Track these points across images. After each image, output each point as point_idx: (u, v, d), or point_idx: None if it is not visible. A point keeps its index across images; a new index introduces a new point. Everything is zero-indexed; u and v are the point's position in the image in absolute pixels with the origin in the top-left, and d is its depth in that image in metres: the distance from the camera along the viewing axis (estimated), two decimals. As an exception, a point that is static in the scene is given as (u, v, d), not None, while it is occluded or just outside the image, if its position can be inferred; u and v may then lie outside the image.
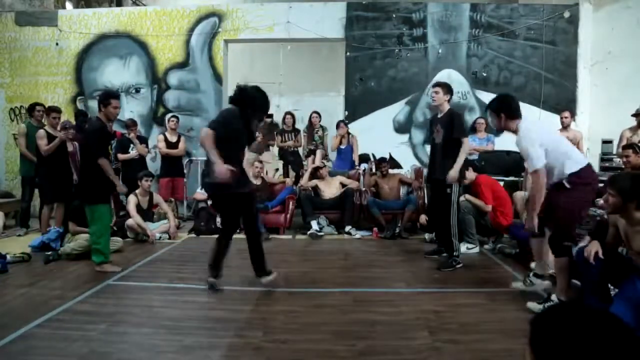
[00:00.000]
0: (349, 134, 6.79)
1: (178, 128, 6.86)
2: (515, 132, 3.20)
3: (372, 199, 5.92)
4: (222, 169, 3.13)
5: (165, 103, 7.52)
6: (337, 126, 6.84)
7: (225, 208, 3.62)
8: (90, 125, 4.30)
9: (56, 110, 5.63)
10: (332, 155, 7.14)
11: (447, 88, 4.28)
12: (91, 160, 4.02)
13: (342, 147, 6.77)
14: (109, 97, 4.12)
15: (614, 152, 5.90)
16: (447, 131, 4.16)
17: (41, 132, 5.39)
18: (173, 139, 6.69)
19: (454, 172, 4.05)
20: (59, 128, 5.58)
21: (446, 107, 4.25)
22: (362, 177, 6.64)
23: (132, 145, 6.41)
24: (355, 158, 6.84)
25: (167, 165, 6.68)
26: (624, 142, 5.55)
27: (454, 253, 4.20)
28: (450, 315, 3.04)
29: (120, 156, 6.34)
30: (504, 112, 3.23)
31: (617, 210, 2.71)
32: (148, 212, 5.70)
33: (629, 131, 5.64)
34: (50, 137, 5.36)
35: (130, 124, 6.54)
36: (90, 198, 4.08)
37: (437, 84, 4.33)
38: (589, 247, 2.80)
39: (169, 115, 7.11)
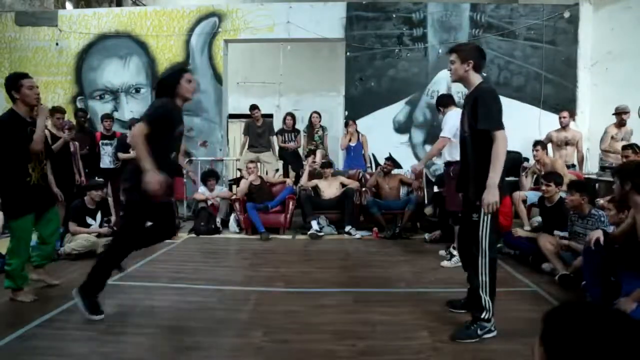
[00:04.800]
0: (358, 132, 6.78)
1: None
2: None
3: (372, 199, 5.92)
4: None
5: (165, 103, 7.51)
6: (346, 124, 6.83)
7: None
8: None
9: (60, 110, 5.61)
10: (337, 154, 7.12)
11: (465, 52, 2.70)
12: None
13: (352, 144, 6.74)
14: (17, 78, 3.21)
15: (600, 147, 5.98)
16: (470, 119, 2.67)
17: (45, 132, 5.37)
18: None
19: (489, 197, 2.50)
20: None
21: (474, 80, 2.70)
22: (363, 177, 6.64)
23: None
24: (366, 156, 6.83)
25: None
26: (609, 138, 5.79)
27: (482, 315, 2.65)
28: (450, 316, 3.04)
29: (121, 155, 6.34)
30: (442, 106, 4.41)
31: (621, 197, 2.84)
32: (148, 212, 5.69)
33: (614, 127, 5.82)
34: (54, 138, 5.34)
35: (134, 124, 6.53)
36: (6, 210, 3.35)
37: (451, 49, 2.80)
38: (591, 234, 2.97)
39: None
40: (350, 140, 6.75)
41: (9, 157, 3.19)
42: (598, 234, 2.94)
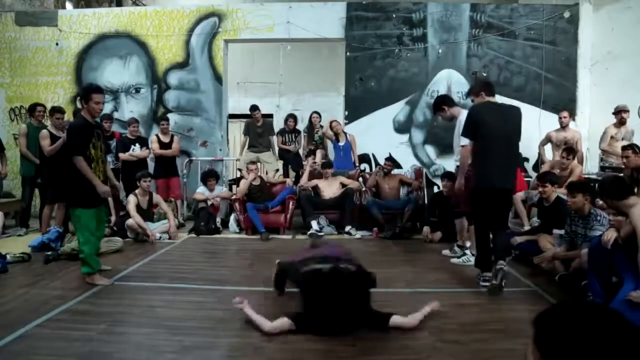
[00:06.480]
0: (345, 133, 6.75)
1: (170, 129, 6.81)
2: (455, 117, 4.34)
3: (372, 199, 5.92)
4: None
5: (165, 103, 7.51)
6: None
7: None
8: (73, 122, 4.11)
9: (60, 110, 5.61)
10: (330, 152, 7.09)
11: (477, 88, 3.85)
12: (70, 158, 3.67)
13: (341, 144, 6.71)
14: (90, 92, 3.75)
15: (600, 147, 5.98)
16: None
17: (44, 132, 5.39)
18: (166, 139, 6.68)
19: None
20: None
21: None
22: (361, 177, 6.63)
23: (132, 147, 6.39)
24: (355, 157, 6.82)
25: (161, 166, 6.64)
26: (609, 137, 5.80)
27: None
28: (451, 315, 3.04)
29: (122, 155, 6.33)
30: (447, 105, 4.38)
31: (609, 207, 3.06)
32: (148, 212, 5.70)
33: (614, 127, 5.81)
34: (54, 138, 5.35)
35: (132, 122, 6.52)
36: (71, 200, 3.78)
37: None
38: (607, 233, 2.97)
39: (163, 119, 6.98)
40: (338, 140, 6.70)
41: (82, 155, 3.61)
42: (614, 234, 2.95)
